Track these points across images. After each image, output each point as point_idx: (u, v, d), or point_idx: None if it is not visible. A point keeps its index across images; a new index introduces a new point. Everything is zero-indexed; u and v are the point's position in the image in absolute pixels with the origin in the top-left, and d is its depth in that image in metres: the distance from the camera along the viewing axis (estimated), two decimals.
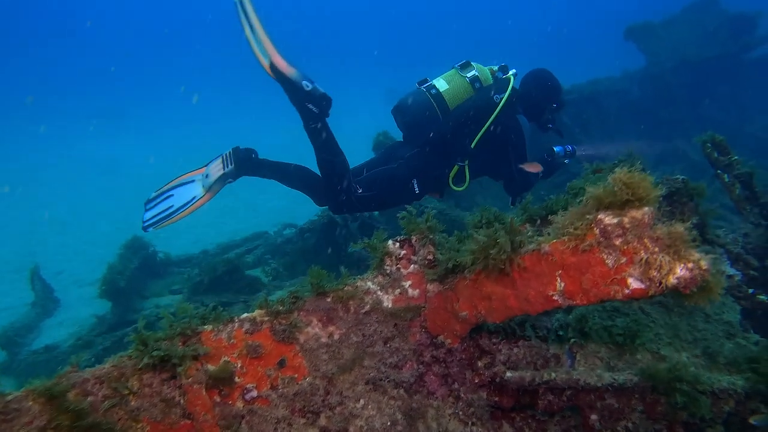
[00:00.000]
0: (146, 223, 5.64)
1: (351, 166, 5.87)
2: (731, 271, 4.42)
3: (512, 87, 5.80)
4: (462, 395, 3.01)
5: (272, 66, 5.17)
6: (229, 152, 5.68)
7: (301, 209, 14.35)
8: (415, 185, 5.84)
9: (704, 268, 1.78)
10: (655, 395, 3.03)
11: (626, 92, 15.68)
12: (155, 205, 5.69)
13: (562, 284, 2.17)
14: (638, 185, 1.87)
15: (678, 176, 4.63)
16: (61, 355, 8.12)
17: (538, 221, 3.63)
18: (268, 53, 5.14)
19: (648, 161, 13.08)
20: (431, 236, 3.01)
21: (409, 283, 2.99)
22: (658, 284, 1.85)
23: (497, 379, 3.02)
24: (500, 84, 5.88)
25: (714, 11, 16.39)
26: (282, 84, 5.26)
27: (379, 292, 2.97)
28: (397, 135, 6.38)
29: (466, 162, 5.90)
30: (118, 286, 8.74)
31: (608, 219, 1.94)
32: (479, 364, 3.13)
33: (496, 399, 3.08)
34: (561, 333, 3.48)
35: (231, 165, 5.56)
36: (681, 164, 13.15)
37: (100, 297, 8.87)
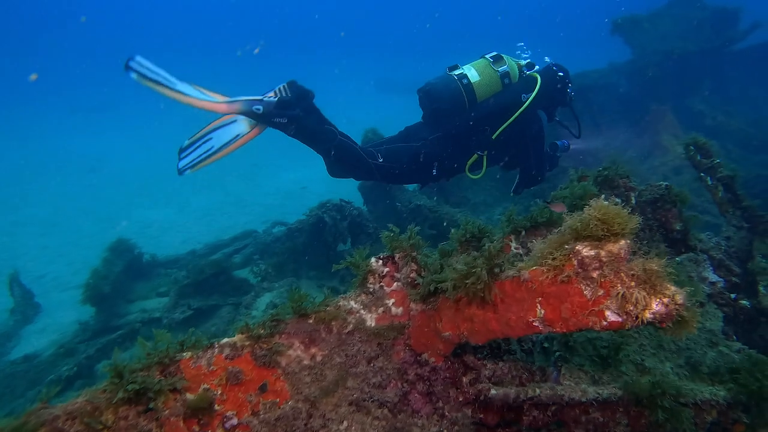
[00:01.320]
0: (183, 167, 5.29)
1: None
2: (714, 277, 4.45)
3: (538, 88, 5.97)
4: (447, 413, 3.01)
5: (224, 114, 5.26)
6: (284, 85, 5.45)
7: (291, 205, 14.36)
8: (435, 168, 6.05)
9: (679, 302, 1.79)
10: (639, 408, 3.04)
11: (614, 85, 15.72)
12: (191, 151, 5.33)
13: (543, 311, 2.18)
14: (613, 221, 1.88)
15: (661, 182, 4.65)
16: (42, 365, 7.96)
17: (523, 232, 3.64)
18: (212, 108, 5.19)
19: (636, 155, 13.16)
20: (414, 254, 3.01)
21: (392, 301, 2.99)
22: (634, 318, 1.86)
23: (482, 397, 3.02)
24: (527, 82, 6.09)
25: (697, 5, 16.47)
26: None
27: (362, 311, 2.97)
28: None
29: (486, 152, 6.15)
30: (102, 292, 8.64)
31: (586, 251, 1.95)
32: (464, 380, 3.13)
33: (481, 416, 3.08)
34: (546, 345, 3.49)
35: (288, 93, 5.37)
36: (670, 155, 13.20)
37: (84, 303, 8.73)
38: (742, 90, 16.51)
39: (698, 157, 5.43)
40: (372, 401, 2.88)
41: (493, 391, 2.98)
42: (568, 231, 2.04)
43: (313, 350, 2.83)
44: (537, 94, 5.94)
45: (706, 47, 15.49)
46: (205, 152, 5.27)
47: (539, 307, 2.19)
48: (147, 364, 2.48)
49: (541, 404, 3.04)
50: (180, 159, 5.32)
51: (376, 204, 10.58)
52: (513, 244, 3.62)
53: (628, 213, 1.93)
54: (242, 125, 5.32)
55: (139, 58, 5.03)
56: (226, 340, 2.69)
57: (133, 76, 4.98)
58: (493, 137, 6.03)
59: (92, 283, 8.71)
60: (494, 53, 6.13)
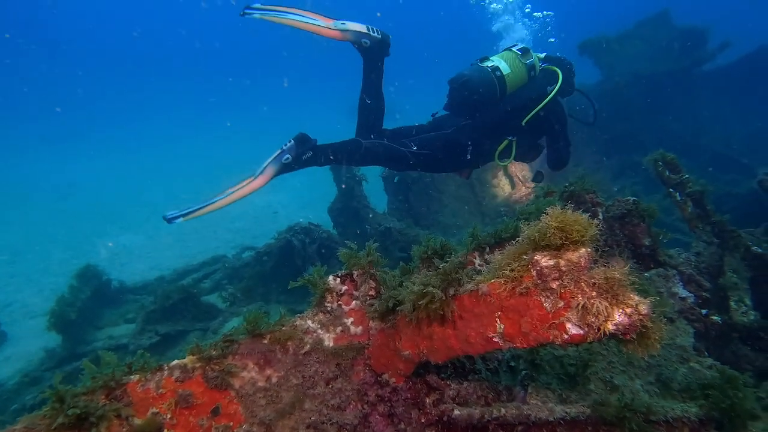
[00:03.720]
0: (173, 216, 5.56)
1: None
2: (684, 293, 4.39)
3: (561, 81, 6.36)
4: None
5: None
6: (290, 140, 5.70)
7: (261, 229, 14.20)
8: (468, 152, 6.30)
9: (643, 313, 1.70)
10: (608, 428, 2.94)
11: (584, 106, 15.78)
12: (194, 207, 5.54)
13: (502, 326, 2.08)
14: (571, 228, 1.78)
15: (629, 197, 4.60)
16: (6, 394, 7.74)
17: (487, 249, 3.55)
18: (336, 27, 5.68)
19: (607, 175, 13.21)
20: (373, 271, 2.91)
21: (351, 320, 2.88)
22: (596, 330, 1.76)
23: (445, 417, 2.90)
24: (547, 74, 6.52)
25: (666, 26, 16.64)
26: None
27: (319, 331, 2.85)
28: None
29: (515, 138, 6.43)
30: (68, 319, 8.43)
31: (544, 261, 1.85)
32: (427, 401, 3.01)
33: None
34: (513, 364, 3.40)
35: (290, 142, 5.60)
36: (639, 177, 13.27)
37: (49, 330, 8.50)
38: (712, 109, 16.67)
39: (666, 173, 5.41)
40: (331, 424, 2.76)
41: (456, 412, 2.87)
42: (526, 241, 1.95)
43: (268, 371, 2.71)
44: (559, 85, 6.34)
45: (676, 67, 15.64)
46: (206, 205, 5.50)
47: (499, 322, 2.09)
48: (91, 388, 2.35)
49: (507, 424, 2.93)
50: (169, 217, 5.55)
51: (345, 227, 10.48)
52: (477, 261, 3.52)
53: (587, 220, 1.84)
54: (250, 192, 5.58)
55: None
56: (176, 362, 2.56)
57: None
58: (523, 123, 6.36)
59: (58, 310, 8.51)
60: (521, 46, 6.52)
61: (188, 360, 2.57)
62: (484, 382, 3.18)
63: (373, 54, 5.94)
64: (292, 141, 5.59)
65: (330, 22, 5.70)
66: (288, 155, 5.50)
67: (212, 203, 5.44)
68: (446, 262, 2.35)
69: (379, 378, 2.90)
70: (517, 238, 2.04)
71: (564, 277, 1.81)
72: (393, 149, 6.02)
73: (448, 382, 3.08)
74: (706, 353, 4.13)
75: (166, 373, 2.51)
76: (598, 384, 3.38)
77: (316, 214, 11.96)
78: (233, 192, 5.46)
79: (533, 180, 7.12)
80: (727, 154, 14.62)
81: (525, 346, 2.04)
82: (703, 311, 4.43)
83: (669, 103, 15.83)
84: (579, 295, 1.78)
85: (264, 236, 11.26)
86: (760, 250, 5.05)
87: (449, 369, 3.14)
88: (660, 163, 5.42)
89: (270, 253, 9.07)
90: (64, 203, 21.86)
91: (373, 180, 11.18)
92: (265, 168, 5.48)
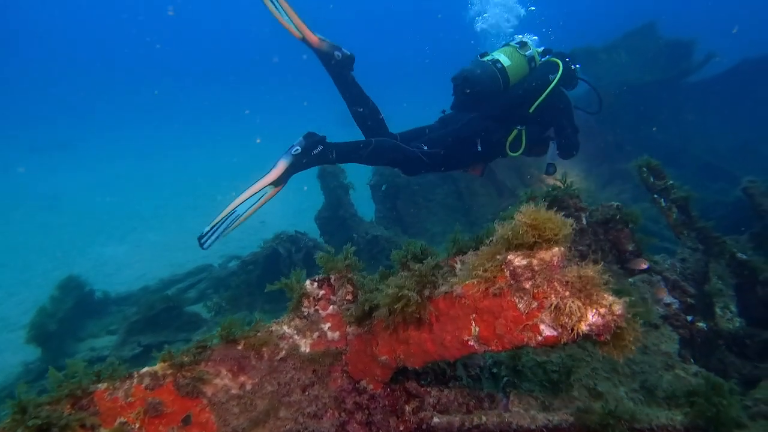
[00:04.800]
0: (208, 244, 5.61)
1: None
2: (668, 299, 4.35)
3: (562, 69, 6.60)
4: None
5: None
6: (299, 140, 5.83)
7: (249, 239, 14.05)
8: (479, 144, 6.46)
9: (618, 313, 1.65)
10: None
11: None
12: (214, 231, 5.59)
13: (477, 329, 2.02)
14: (544, 226, 1.74)
15: (613, 202, 4.57)
16: None
17: (469, 253, 3.49)
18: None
19: (595, 184, 13.21)
20: (350, 275, 2.85)
21: (328, 325, 2.82)
22: (570, 331, 1.71)
23: (424, 425, 2.84)
24: (548, 66, 6.74)
25: (652, 37, 16.73)
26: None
27: (295, 337, 2.79)
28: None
29: (524, 128, 6.61)
30: (48, 330, 8.27)
31: (518, 260, 1.80)
32: (407, 408, 2.94)
33: None
34: (495, 371, 3.34)
35: (299, 145, 5.70)
36: (628, 185, 13.29)
37: (28, 342, 8.33)
38: (699, 119, 16.73)
39: (651, 179, 5.39)
40: None
41: (435, 420, 2.81)
42: (499, 240, 1.90)
43: (242, 378, 2.64)
44: (560, 73, 6.56)
45: (662, 78, 15.71)
46: (228, 223, 5.55)
47: (474, 325, 2.04)
48: (56, 397, 2.28)
49: None
50: (204, 239, 5.59)
51: (332, 235, 10.42)
52: (458, 266, 3.47)
53: (562, 219, 1.79)
54: (266, 189, 5.63)
55: None
56: (146, 369, 2.49)
57: None
58: (531, 111, 6.53)
59: (37, 322, 8.36)
60: (519, 39, 6.85)
61: (159, 367, 2.50)
62: (466, 389, 3.12)
63: (341, 68, 6.14)
64: (301, 138, 5.72)
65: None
66: (297, 147, 5.63)
67: (230, 205, 5.50)
68: (422, 264, 2.30)
69: (357, 385, 2.84)
70: (491, 238, 1.99)
71: (537, 277, 1.76)
72: (403, 149, 6.15)
73: (428, 389, 3.01)
74: (692, 360, 4.09)
75: (135, 380, 2.44)
76: (582, 391, 3.33)
77: (305, 223, 11.87)
78: (248, 188, 5.54)
79: (546, 173, 7.31)
80: (715, 164, 14.67)
81: (500, 349, 1.98)
82: (689, 318, 4.39)
83: (656, 113, 15.89)
84: (552, 295, 1.73)
85: (251, 246, 11.13)
86: (744, 257, 5.03)
87: (430, 376, 3.08)
88: (644, 169, 5.41)
89: (255, 262, 9.00)
90: (48, 213, 21.45)
91: (360, 188, 11.14)
92: (277, 162, 5.60)
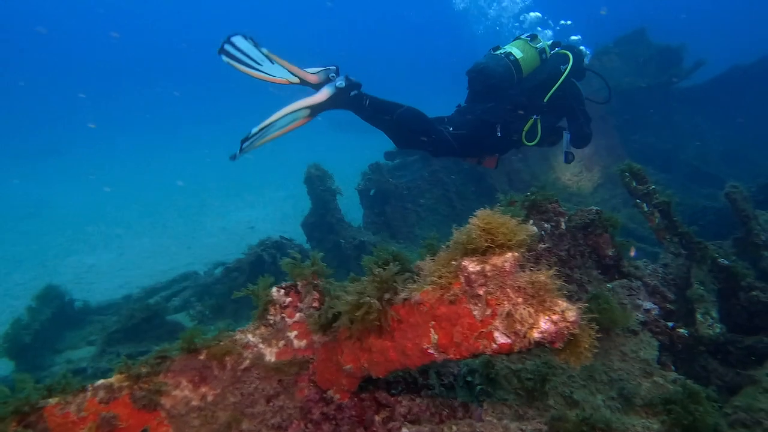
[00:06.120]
0: (243, 149, 5.64)
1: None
2: (648, 305, 4.29)
3: (572, 61, 6.89)
4: None
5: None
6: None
7: (236, 245, 13.92)
8: (498, 130, 6.60)
9: (571, 320, 1.59)
10: None
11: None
12: (255, 136, 5.64)
13: (436, 336, 1.97)
14: (497, 230, 1.68)
15: (592, 207, 4.52)
16: None
17: None
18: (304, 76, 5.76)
19: (587, 188, 13.19)
20: (316, 282, 2.79)
21: (295, 333, 2.75)
22: (522, 338, 1.65)
23: None
24: (558, 57, 7.01)
25: (643, 43, 16.76)
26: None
27: (260, 345, 2.72)
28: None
29: (540, 117, 6.77)
30: (22, 343, 8.04)
31: (472, 266, 1.75)
32: (377, 419, 2.88)
33: None
34: (469, 379, 3.28)
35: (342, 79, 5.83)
36: (619, 189, 13.26)
37: (0, 356, 8.12)
38: (690, 124, 16.75)
39: (633, 184, 5.35)
40: None
41: (405, 430, 2.74)
42: (455, 245, 1.85)
43: (203, 389, 2.57)
44: (571, 64, 6.85)
45: (653, 83, 15.72)
46: (262, 135, 5.64)
47: (433, 332, 1.98)
48: (1, 414, 2.19)
49: None
50: (243, 144, 5.61)
51: (320, 242, 10.32)
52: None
53: (518, 223, 1.73)
54: (301, 113, 5.76)
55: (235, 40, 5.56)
56: (101, 381, 2.42)
57: (224, 59, 5.56)
58: (545, 100, 6.76)
59: (11, 334, 8.10)
60: (529, 33, 7.07)
61: (115, 379, 2.43)
62: (438, 398, 3.05)
63: (348, 93, 5.94)
64: (342, 75, 5.86)
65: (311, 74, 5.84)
66: (342, 81, 5.76)
67: (269, 119, 5.61)
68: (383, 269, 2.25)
69: (324, 395, 2.77)
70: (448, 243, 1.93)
71: (489, 283, 1.70)
72: (432, 124, 6.34)
73: (399, 399, 2.95)
74: (672, 367, 4.04)
75: (89, 394, 2.37)
76: (558, 399, 3.26)
77: (295, 229, 11.76)
78: (289, 106, 5.68)
79: (565, 161, 7.64)
80: (704, 169, 14.68)
81: (458, 357, 1.93)
82: (670, 324, 4.33)
83: (647, 119, 15.90)
84: (505, 302, 1.68)
85: (239, 252, 11.02)
86: (726, 262, 4.98)
87: (401, 384, 3.01)
88: (627, 173, 5.37)
89: (240, 269, 8.89)
90: (29, 222, 21.00)
91: (348, 194, 11.07)
92: (321, 89, 5.75)
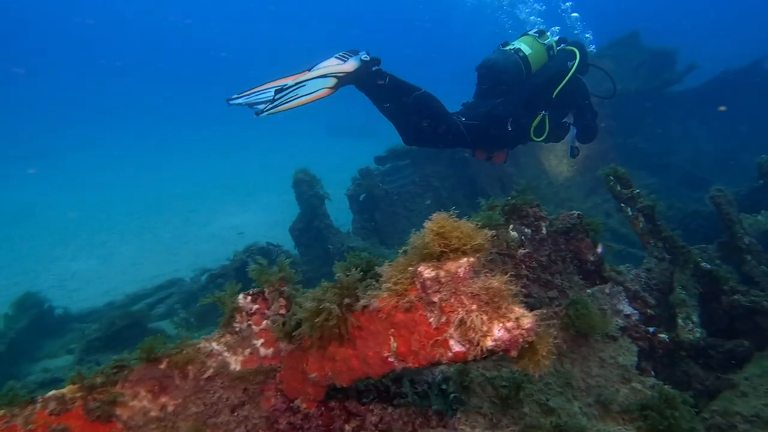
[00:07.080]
0: (264, 109, 5.47)
1: None
2: (628, 310, 4.23)
3: (579, 57, 6.97)
4: None
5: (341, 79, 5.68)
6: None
7: (224, 251, 13.82)
8: (509, 124, 6.62)
9: (526, 327, 1.53)
10: None
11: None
12: (282, 96, 5.50)
13: (395, 344, 1.90)
14: (451, 234, 1.62)
15: (574, 212, 4.47)
16: None
17: None
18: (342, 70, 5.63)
19: (578, 193, 13.15)
20: (283, 289, 2.72)
21: (261, 341, 2.69)
22: (476, 346, 1.58)
23: None
24: (565, 53, 7.10)
25: (637, 47, 16.75)
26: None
27: (225, 354, 2.65)
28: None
29: (547, 113, 6.83)
30: None
31: (427, 272, 1.68)
32: (347, 428, 2.81)
33: None
34: (444, 387, 3.21)
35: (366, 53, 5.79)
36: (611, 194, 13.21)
37: None
38: (683, 128, 16.73)
39: (618, 188, 5.30)
40: None
41: None
42: (412, 250, 1.78)
43: (163, 399, 2.50)
44: (578, 60, 6.93)
45: (646, 87, 15.70)
46: (287, 99, 5.46)
47: (392, 340, 1.91)
48: None
49: None
50: (272, 103, 5.48)
51: (308, 247, 10.23)
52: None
53: (475, 227, 1.67)
54: (326, 81, 5.60)
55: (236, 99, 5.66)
56: (52, 392, 2.33)
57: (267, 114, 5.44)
58: (554, 95, 6.80)
59: None
60: (537, 29, 7.15)
61: (67, 390, 2.35)
62: (412, 407, 2.98)
63: (371, 67, 5.89)
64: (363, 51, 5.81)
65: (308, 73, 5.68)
66: (366, 54, 5.73)
67: (300, 76, 5.54)
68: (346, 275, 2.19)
69: (291, 404, 2.70)
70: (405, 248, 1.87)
71: (443, 289, 1.64)
72: (446, 112, 6.30)
73: (370, 407, 2.88)
74: (652, 372, 3.98)
75: (38, 406, 2.28)
76: (533, 407, 3.20)
77: (285, 234, 11.68)
78: (321, 68, 5.59)
79: (570, 156, 7.72)
80: (695, 173, 14.67)
81: (417, 365, 1.86)
82: (651, 329, 4.27)
83: (640, 123, 15.88)
84: (459, 309, 1.61)
85: (227, 258, 10.93)
86: (708, 266, 4.93)
87: (372, 393, 2.94)
88: (611, 177, 5.32)
89: (225, 275, 8.80)
90: (13, 227, 20.73)
91: (337, 199, 10.98)
92: (348, 60, 5.68)
